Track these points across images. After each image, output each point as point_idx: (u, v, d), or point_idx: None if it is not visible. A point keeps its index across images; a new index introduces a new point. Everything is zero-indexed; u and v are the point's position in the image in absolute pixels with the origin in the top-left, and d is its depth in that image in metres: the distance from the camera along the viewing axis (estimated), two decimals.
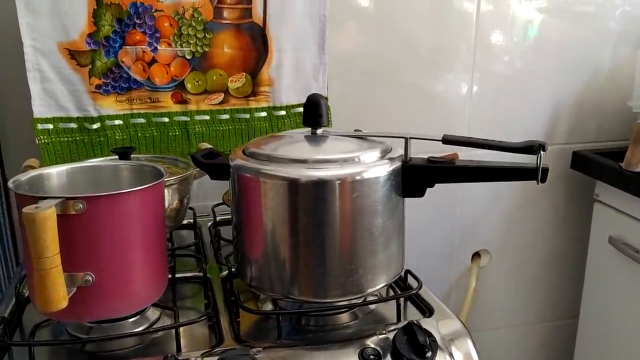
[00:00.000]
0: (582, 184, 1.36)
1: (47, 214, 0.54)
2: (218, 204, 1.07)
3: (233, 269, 0.79)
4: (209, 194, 1.10)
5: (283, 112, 1.12)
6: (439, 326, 0.71)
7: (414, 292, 0.76)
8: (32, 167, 0.83)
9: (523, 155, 0.67)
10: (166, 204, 0.85)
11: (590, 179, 1.28)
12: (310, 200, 0.66)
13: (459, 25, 1.24)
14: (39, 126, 0.99)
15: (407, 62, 1.24)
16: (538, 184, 0.66)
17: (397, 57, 1.23)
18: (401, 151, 0.71)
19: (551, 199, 1.40)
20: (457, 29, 1.24)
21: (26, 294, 0.75)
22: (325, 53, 1.11)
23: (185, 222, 0.99)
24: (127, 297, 0.66)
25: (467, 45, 1.26)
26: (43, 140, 1.00)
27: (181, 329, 0.69)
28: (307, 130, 0.75)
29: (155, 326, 0.71)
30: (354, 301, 0.72)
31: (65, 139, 1.02)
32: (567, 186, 1.39)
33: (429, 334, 0.67)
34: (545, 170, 0.66)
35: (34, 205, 0.55)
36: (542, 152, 0.65)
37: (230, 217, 0.76)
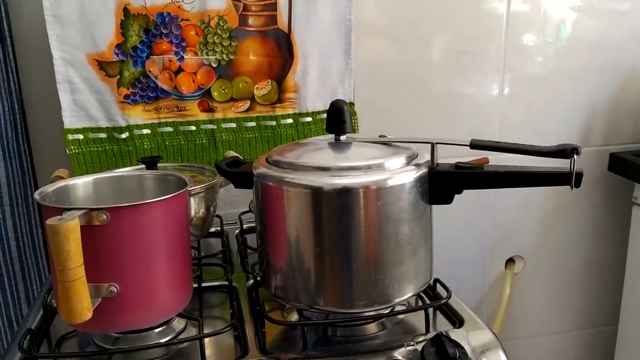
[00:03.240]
0: (620, 186, 1.31)
1: (71, 226, 0.55)
2: (245, 212, 1.06)
3: (258, 278, 0.78)
4: (236, 202, 1.10)
5: (309, 119, 1.11)
6: (470, 337, 0.68)
7: (443, 302, 0.74)
8: (61, 178, 0.84)
9: (556, 159, 0.65)
10: (192, 213, 0.85)
11: (629, 182, 1.24)
12: (334, 208, 0.65)
13: (489, 25, 1.21)
14: (70, 136, 1.01)
15: (435, 65, 1.22)
16: (572, 189, 0.64)
17: (424, 61, 1.21)
18: (428, 157, 0.69)
19: (588, 202, 1.36)
20: (486, 30, 1.22)
21: (54, 305, 0.76)
22: (351, 58, 1.10)
23: (212, 229, 0.99)
24: (151, 307, 0.65)
25: (497, 46, 1.23)
26: (74, 151, 1.01)
27: (207, 339, 0.68)
28: (331, 137, 0.74)
29: (180, 336, 0.71)
30: (381, 311, 0.70)
31: (95, 148, 1.03)
32: (604, 189, 1.35)
33: (458, 345, 0.65)
34: (580, 175, 0.63)
35: (58, 216, 0.56)
36: (575, 156, 0.62)
37: None
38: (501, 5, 1.21)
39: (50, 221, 0.54)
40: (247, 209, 1.05)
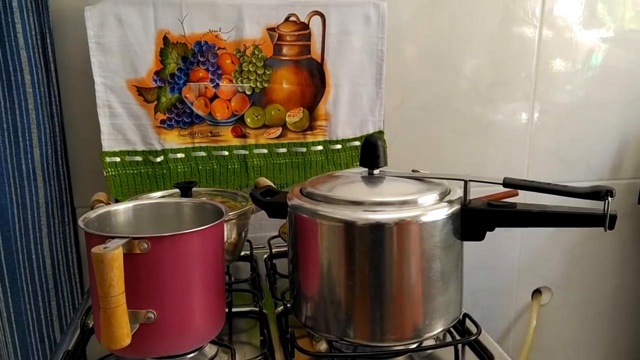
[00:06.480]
0: None
1: (115, 254, 0.57)
2: (274, 237, 1.08)
3: (289, 305, 0.79)
4: (265, 225, 1.12)
5: (339, 146, 1.12)
6: None
7: (472, 338, 0.74)
8: (100, 201, 0.87)
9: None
10: (225, 238, 0.87)
11: None
12: (367, 243, 0.66)
13: (519, 52, 1.22)
14: (107, 159, 1.04)
15: (464, 93, 1.22)
16: (605, 231, 0.64)
17: (453, 88, 1.22)
18: (460, 193, 0.70)
19: (617, 235, 1.34)
20: (517, 57, 1.22)
21: (90, 325, 0.78)
22: (382, 87, 1.11)
23: (242, 253, 1.00)
24: (187, 334, 0.67)
25: (527, 73, 1.23)
26: (110, 173, 1.04)
27: None
28: (364, 170, 0.75)
29: None
30: (410, 346, 0.71)
31: (131, 171, 1.06)
32: (635, 223, 1.33)
33: None
34: (614, 217, 0.63)
35: (103, 245, 0.58)
36: (609, 198, 0.63)
37: (285, 249, 0.77)
38: (532, 32, 1.21)
39: (95, 249, 0.56)
40: (276, 234, 1.06)
